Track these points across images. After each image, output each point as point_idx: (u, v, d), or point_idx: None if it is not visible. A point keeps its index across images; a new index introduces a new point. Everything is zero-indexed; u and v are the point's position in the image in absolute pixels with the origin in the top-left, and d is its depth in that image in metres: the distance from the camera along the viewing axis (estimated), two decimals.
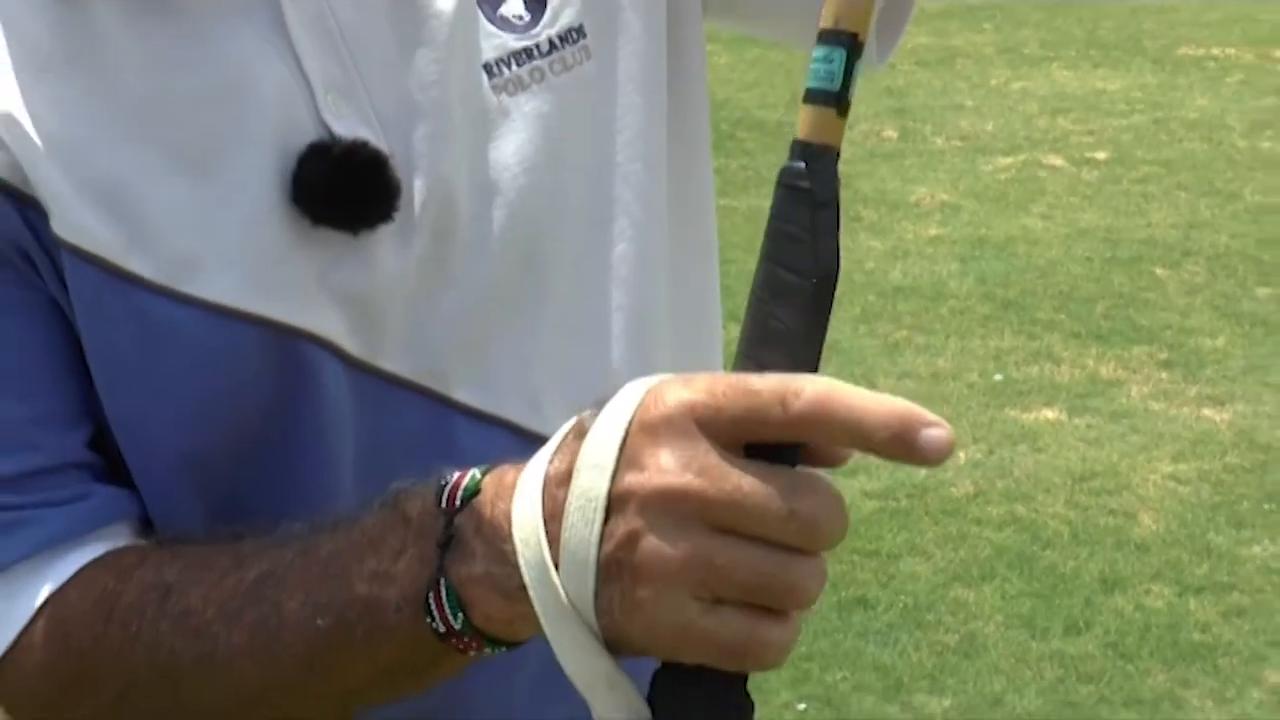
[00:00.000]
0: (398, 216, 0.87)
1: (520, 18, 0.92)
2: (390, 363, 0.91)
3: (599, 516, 0.64)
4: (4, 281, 0.85)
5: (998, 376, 4.37)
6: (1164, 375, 4.38)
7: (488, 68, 0.90)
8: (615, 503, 0.64)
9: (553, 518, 0.66)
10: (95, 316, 0.86)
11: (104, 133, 0.84)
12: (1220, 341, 4.62)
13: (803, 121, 0.67)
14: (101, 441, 0.91)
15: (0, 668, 0.86)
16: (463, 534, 0.72)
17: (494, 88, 0.91)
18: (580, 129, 0.94)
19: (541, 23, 0.92)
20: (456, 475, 0.74)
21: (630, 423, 0.65)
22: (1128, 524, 3.58)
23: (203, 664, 0.82)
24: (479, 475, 0.73)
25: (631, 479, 0.64)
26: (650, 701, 0.68)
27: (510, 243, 0.92)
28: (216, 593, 0.81)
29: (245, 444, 0.91)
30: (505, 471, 0.72)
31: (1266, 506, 3.69)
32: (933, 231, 5.51)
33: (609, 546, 0.64)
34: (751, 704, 0.69)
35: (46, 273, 0.86)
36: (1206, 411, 4.18)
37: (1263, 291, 5.02)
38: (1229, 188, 6.05)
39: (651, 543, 0.63)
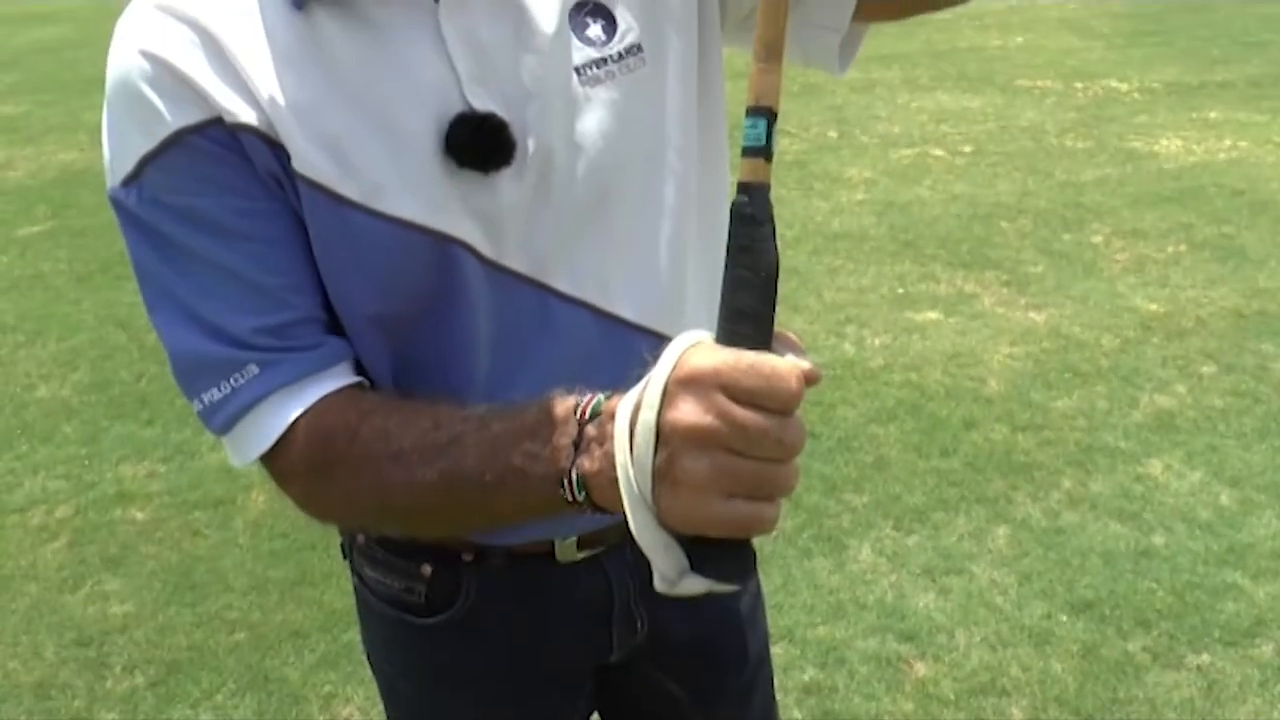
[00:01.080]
0: (514, 162, 0.88)
1: (599, 37, 0.92)
2: (510, 261, 0.91)
3: (652, 440, 0.66)
4: (268, 196, 0.86)
5: (900, 290, 4.35)
6: (1005, 291, 4.35)
7: (577, 69, 0.91)
8: (662, 431, 0.66)
9: (632, 438, 0.68)
10: (318, 224, 0.87)
11: (325, 102, 0.85)
12: (1040, 269, 4.58)
13: (743, 169, 0.67)
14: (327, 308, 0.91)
15: (273, 456, 0.87)
16: (587, 440, 0.73)
17: (580, 82, 0.91)
18: (638, 110, 0.94)
19: (613, 41, 0.92)
20: (589, 396, 0.75)
21: (669, 376, 0.67)
22: (980, 386, 3.58)
23: (405, 488, 0.83)
24: (602, 399, 0.74)
25: (670, 415, 0.66)
26: (690, 559, 0.69)
27: (590, 181, 0.92)
28: (421, 444, 0.81)
29: (413, 313, 0.91)
30: (615, 400, 0.72)
31: (1066, 375, 3.67)
32: (859, 197, 5.44)
33: (660, 461, 0.66)
34: (754, 555, 0.71)
35: (290, 194, 0.86)
36: (1031, 314, 4.15)
37: (1067, 236, 4.96)
38: (1046, 169, 5.95)
39: (683, 463, 0.65)
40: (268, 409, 0.86)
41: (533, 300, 0.93)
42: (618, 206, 0.95)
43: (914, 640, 2.48)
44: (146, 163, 0.84)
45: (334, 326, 0.91)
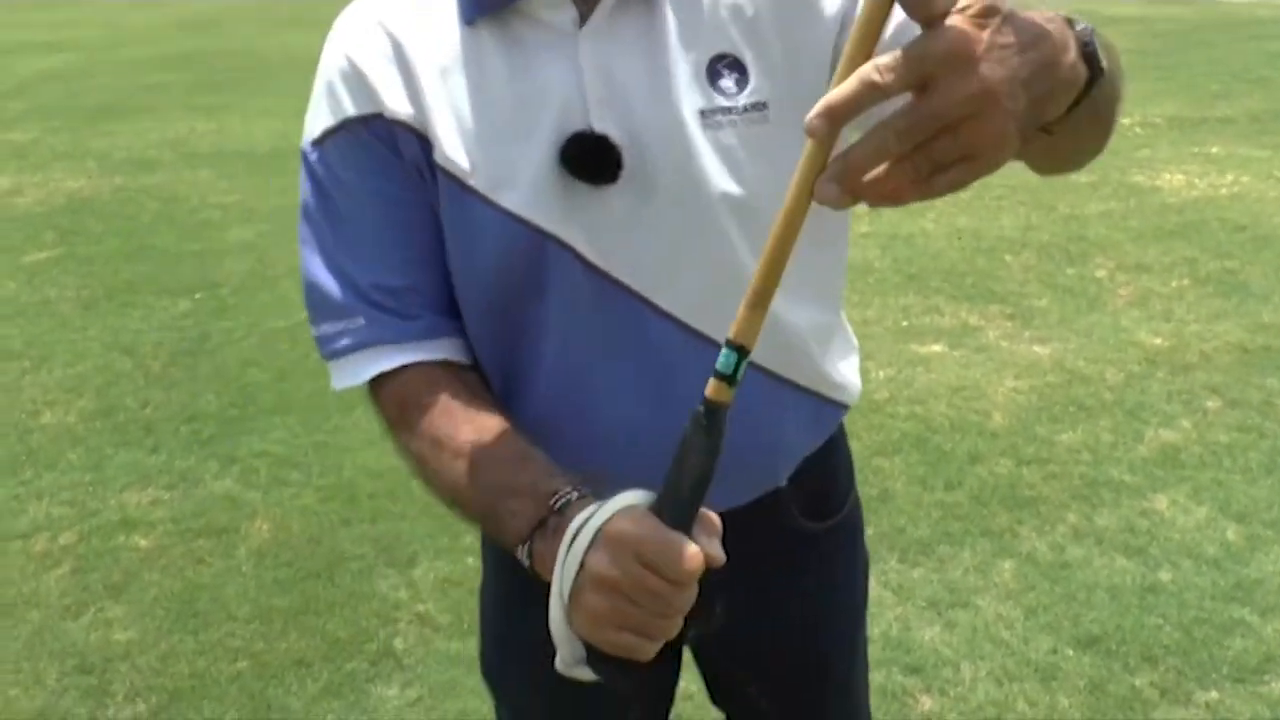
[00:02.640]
0: (620, 181, 0.98)
1: (730, 89, 0.99)
2: (612, 269, 1.01)
3: (575, 568, 0.80)
4: (408, 185, 1.01)
5: (904, 323, 4.35)
6: (1009, 324, 4.36)
7: (701, 112, 0.99)
8: (584, 565, 0.80)
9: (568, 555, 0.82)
10: (448, 211, 1.01)
11: (470, 105, 0.98)
12: (1044, 302, 4.59)
13: (710, 387, 0.76)
14: (449, 292, 1.05)
15: (373, 391, 1.04)
16: (548, 527, 0.86)
17: (702, 124, 0.99)
18: (752, 159, 1.01)
19: (741, 95, 0.99)
20: (566, 490, 0.87)
21: (601, 525, 0.80)
22: (985, 419, 3.58)
23: (435, 476, 0.99)
24: (573, 499, 0.87)
25: (590, 558, 0.80)
26: (588, 660, 0.84)
27: (694, 212, 1.00)
28: (452, 448, 0.96)
29: (517, 304, 1.03)
30: (575, 506, 0.85)
31: (1071, 409, 3.67)
32: (864, 230, 5.45)
33: (576, 585, 0.81)
34: (638, 671, 0.84)
35: (429, 183, 1.01)
36: (1035, 348, 4.16)
37: (1070, 270, 4.97)
38: (1049, 203, 5.97)
39: (588, 597, 0.80)
40: (361, 359, 1.02)
41: (628, 308, 1.02)
42: (719, 239, 1.02)
43: (920, 673, 2.46)
44: (326, 136, 1.02)
45: (446, 309, 1.05)
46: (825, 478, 1.23)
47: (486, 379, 1.08)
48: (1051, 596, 2.71)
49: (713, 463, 0.79)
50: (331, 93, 1.01)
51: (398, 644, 2.58)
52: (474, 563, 2.87)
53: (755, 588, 1.17)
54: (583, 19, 0.98)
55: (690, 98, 0.98)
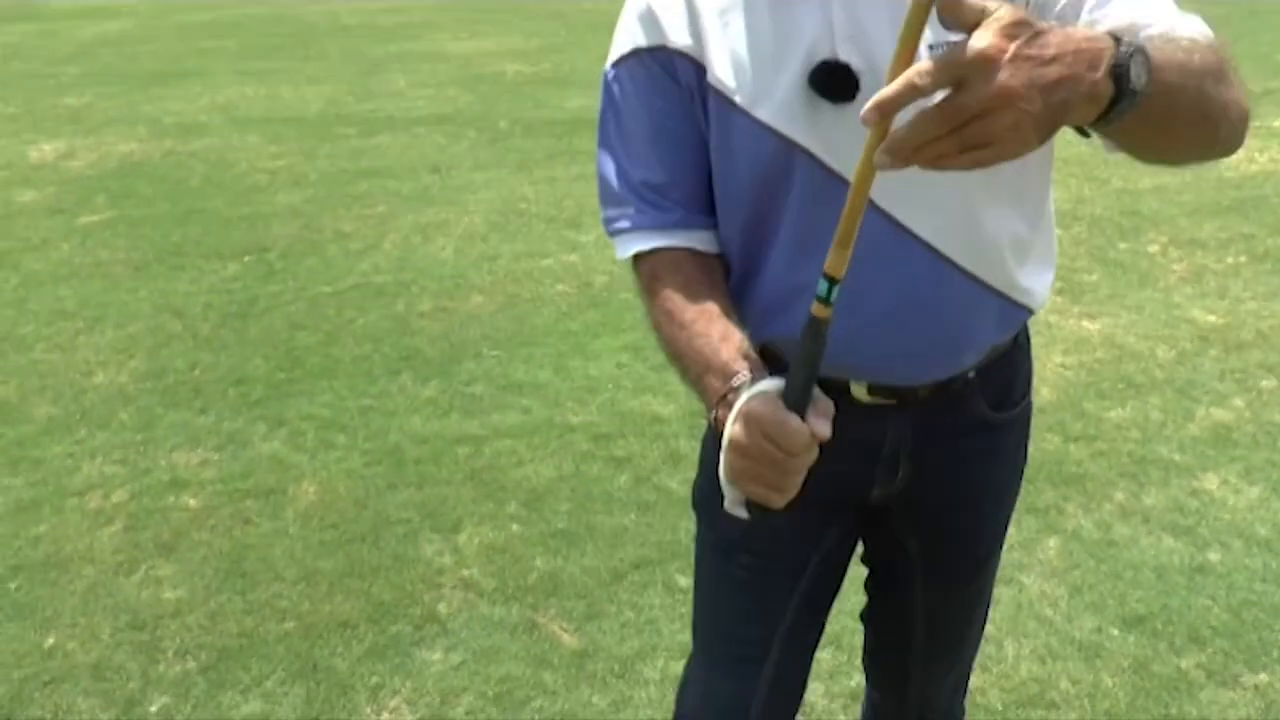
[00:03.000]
0: (856, 100, 1.14)
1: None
2: (843, 170, 1.16)
3: (728, 437, 1.09)
4: (682, 105, 1.24)
5: None
6: (1059, 299, 4.29)
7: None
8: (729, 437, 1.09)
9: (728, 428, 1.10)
10: (715, 123, 1.23)
11: (739, 36, 1.19)
12: (1094, 277, 4.52)
13: (814, 307, 1.00)
14: (704, 193, 1.28)
15: (634, 264, 1.29)
16: (728, 401, 1.12)
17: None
18: None
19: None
20: (742, 373, 1.13)
21: (742, 406, 1.08)
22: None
23: (664, 337, 1.25)
24: (747, 382, 1.12)
25: (733, 430, 1.08)
26: (740, 502, 1.15)
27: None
28: (678, 317, 1.22)
29: (764, 198, 1.23)
30: (751, 388, 1.10)
31: (1120, 385, 3.62)
32: None
33: (728, 447, 1.09)
34: (774, 514, 1.12)
35: (699, 105, 1.23)
36: (1085, 323, 4.10)
37: (1123, 245, 4.89)
38: (1101, 176, 5.87)
39: (731, 457, 1.09)
40: (631, 238, 1.28)
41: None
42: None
43: None
44: (622, 61, 1.25)
45: (700, 208, 1.28)
46: (1008, 374, 1.38)
47: (728, 266, 1.30)
48: (1097, 575, 2.68)
49: (818, 362, 1.03)
50: (628, 27, 1.25)
51: (441, 609, 2.60)
52: (518, 529, 2.89)
53: (936, 461, 1.35)
54: None
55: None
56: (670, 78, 1.23)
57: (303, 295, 4.44)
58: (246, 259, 4.85)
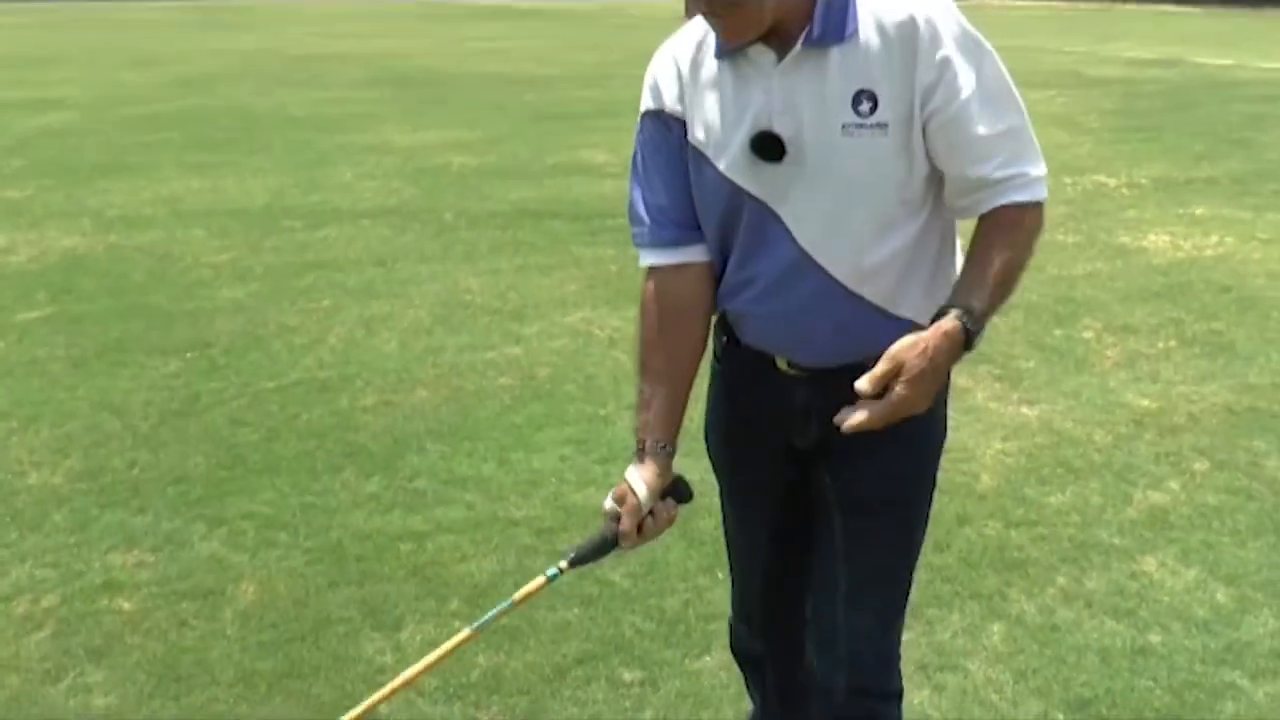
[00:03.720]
0: (785, 161, 1.61)
1: (865, 111, 1.57)
2: (775, 207, 1.65)
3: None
4: (675, 151, 1.72)
5: None
6: (997, 386, 4.37)
7: (843, 125, 1.59)
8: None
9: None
10: (693, 168, 1.72)
11: (710, 107, 1.67)
12: (1032, 364, 4.62)
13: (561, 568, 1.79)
14: (694, 213, 1.74)
15: (645, 275, 1.77)
16: (640, 449, 1.78)
17: (843, 132, 1.59)
18: (874, 158, 1.59)
19: (872, 117, 1.57)
20: (652, 439, 1.77)
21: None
22: (973, 481, 3.58)
23: (638, 353, 1.81)
24: (649, 447, 1.77)
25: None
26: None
27: (829, 183, 1.61)
28: (648, 352, 1.81)
29: (725, 227, 1.72)
30: (644, 455, 1.77)
31: (1059, 470, 3.69)
32: None
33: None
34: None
35: (686, 153, 1.71)
36: (1023, 409, 4.18)
37: (1058, 331, 5.01)
38: (1038, 263, 5.98)
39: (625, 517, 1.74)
40: (645, 252, 1.78)
41: (778, 233, 1.67)
42: (841, 202, 1.62)
43: None
44: (641, 117, 1.76)
45: (690, 224, 1.74)
46: None
47: (716, 265, 1.77)
48: (1041, 659, 2.70)
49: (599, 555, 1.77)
50: (644, 93, 1.74)
51: (382, 709, 2.54)
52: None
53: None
54: (779, 59, 1.59)
55: (838, 114, 1.57)
56: (667, 130, 1.72)
57: (245, 391, 4.40)
58: (189, 355, 4.82)
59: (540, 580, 1.74)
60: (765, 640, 2.07)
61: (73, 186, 8.48)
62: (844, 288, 1.65)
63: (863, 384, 1.46)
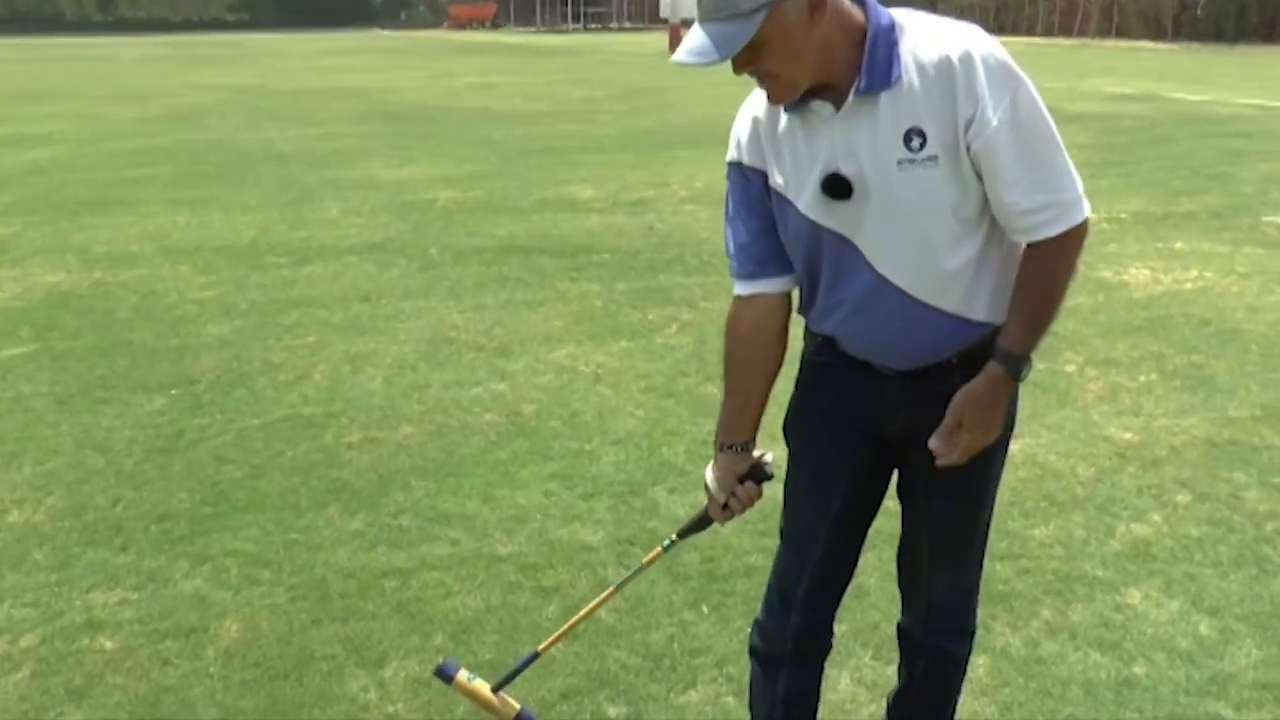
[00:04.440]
0: (853, 199, 1.80)
1: (916, 147, 1.75)
2: (852, 238, 1.85)
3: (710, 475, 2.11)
4: (755, 196, 1.94)
5: None
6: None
7: (898, 161, 1.76)
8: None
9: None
10: (777, 209, 1.92)
11: (787, 156, 1.87)
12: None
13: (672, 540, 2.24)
14: (775, 250, 1.95)
15: (733, 304, 2.02)
16: (721, 448, 2.09)
17: (898, 168, 1.77)
18: (927, 188, 1.77)
19: (922, 152, 1.75)
20: (736, 441, 2.07)
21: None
22: None
23: (724, 367, 2.05)
24: (736, 448, 2.07)
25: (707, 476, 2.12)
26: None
27: (893, 213, 1.80)
28: (732, 366, 2.05)
29: (809, 260, 1.92)
30: (727, 451, 2.09)
31: (1043, 504, 3.70)
32: None
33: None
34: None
35: (767, 198, 1.92)
36: None
37: (1041, 366, 5.02)
38: None
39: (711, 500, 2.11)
40: (736, 283, 1.99)
41: (856, 261, 1.86)
42: (905, 229, 1.81)
43: None
44: (728, 166, 1.97)
45: (771, 260, 1.95)
46: (981, 355, 1.86)
47: (802, 287, 1.99)
48: (1026, 692, 2.70)
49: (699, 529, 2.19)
50: (729, 146, 1.95)
51: None
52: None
53: (927, 413, 1.88)
54: (836, 109, 1.77)
55: (893, 152, 1.76)
56: (746, 181, 1.93)
57: (230, 428, 4.39)
58: (174, 392, 4.80)
59: (658, 550, 2.22)
60: (802, 617, 2.18)
61: (58, 223, 8.47)
62: (920, 302, 1.85)
63: (934, 443, 1.84)
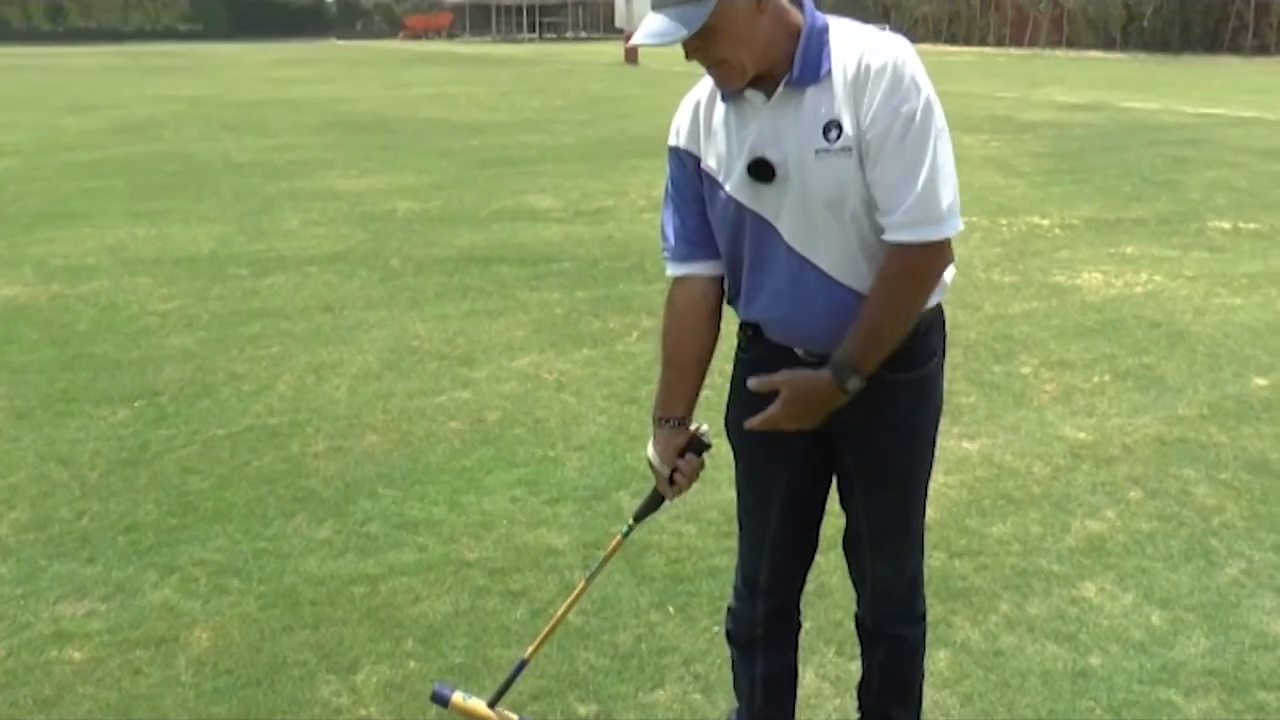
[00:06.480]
0: (775, 181, 1.93)
1: (833, 138, 1.86)
2: (774, 221, 1.96)
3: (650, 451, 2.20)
4: (689, 180, 2.06)
5: None
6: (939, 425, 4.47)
7: (816, 150, 1.89)
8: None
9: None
10: (706, 191, 2.04)
11: (719, 141, 2.00)
12: (972, 399, 4.74)
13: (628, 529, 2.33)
14: (705, 233, 2.08)
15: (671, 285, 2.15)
16: (658, 423, 2.18)
17: (815, 156, 1.89)
18: (839, 174, 1.88)
19: (838, 143, 1.87)
20: (673, 416, 2.17)
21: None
22: None
23: (660, 344, 2.18)
24: (672, 422, 2.17)
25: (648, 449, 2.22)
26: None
27: (809, 196, 1.91)
28: (668, 341, 2.16)
29: (733, 240, 2.03)
30: (665, 424, 2.18)
31: (1000, 502, 3.79)
32: None
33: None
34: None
35: (699, 180, 2.05)
36: (964, 444, 4.29)
37: (997, 368, 5.14)
38: (975, 302, 6.19)
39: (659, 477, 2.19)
40: (668, 265, 2.13)
41: (776, 242, 1.97)
42: (821, 213, 1.92)
43: None
44: (668, 151, 2.09)
45: (701, 243, 2.08)
46: (901, 350, 1.97)
47: (726, 275, 2.10)
48: (986, 684, 2.78)
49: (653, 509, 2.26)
50: (670, 132, 2.07)
51: None
52: (415, 666, 2.87)
53: (851, 405, 1.97)
54: (767, 98, 1.91)
55: (813, 141, 1.88)
56: (682, 164, 2.06)
57: (195, 439, 4.39)
58: (137, 403, 4.79)
59: (618, 538, 2.27)
60: (767, 600, 2.31)
61: (13, 235, 8.39)
62: (837, 281, 1.96)
63: (753, 382, 1.99)
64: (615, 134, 14.66)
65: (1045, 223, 8.46)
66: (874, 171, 1.87)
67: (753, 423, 1.98)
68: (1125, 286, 6.61)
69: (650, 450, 2.16)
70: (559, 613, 2.36)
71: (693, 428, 2.17)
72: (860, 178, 1.88)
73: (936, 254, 1.90)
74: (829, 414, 1.99)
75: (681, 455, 2.15)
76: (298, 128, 15.72)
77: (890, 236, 1.89)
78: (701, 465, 2.17)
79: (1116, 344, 5.49)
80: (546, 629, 2.38)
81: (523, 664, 2.36)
